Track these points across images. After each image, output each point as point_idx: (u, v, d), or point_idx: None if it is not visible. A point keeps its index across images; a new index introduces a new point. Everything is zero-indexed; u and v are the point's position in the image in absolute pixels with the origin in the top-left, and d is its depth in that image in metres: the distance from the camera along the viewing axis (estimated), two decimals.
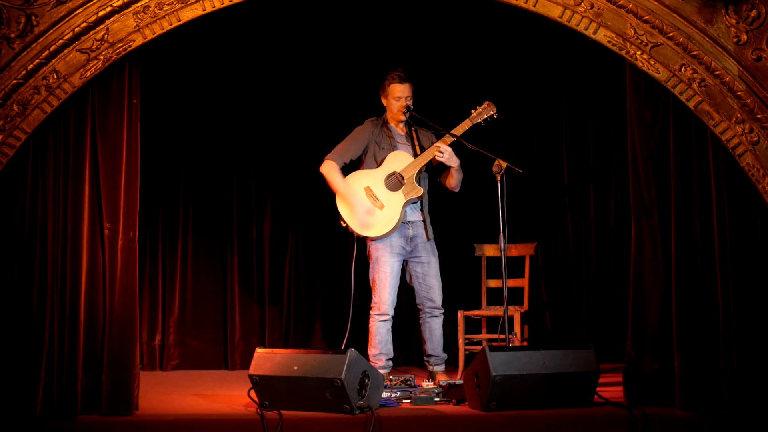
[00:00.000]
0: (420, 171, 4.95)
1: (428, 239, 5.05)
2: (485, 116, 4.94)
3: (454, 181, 5.04)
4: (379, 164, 5.00)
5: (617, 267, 6.12)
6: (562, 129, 6.41)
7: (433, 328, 5.03)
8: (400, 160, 4.96)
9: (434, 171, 5.12)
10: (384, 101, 5.09)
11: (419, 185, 4.95)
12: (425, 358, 5.09)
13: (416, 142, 5.07)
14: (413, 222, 5.00)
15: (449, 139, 4.91)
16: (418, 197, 4.93)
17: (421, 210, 5.04)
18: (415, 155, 5.01)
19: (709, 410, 4.07)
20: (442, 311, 5.07)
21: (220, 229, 6.37)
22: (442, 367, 5.06)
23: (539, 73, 6.37)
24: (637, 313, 4.32)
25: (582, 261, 6.32)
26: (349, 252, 5.19)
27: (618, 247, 6.12)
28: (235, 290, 6.31)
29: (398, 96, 4.99)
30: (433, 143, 5.01)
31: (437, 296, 5.03)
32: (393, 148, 5.02)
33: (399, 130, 5.11)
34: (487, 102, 4.98)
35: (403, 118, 5.02)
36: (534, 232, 6.31)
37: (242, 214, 6.38)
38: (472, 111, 4.98)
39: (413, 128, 5.12)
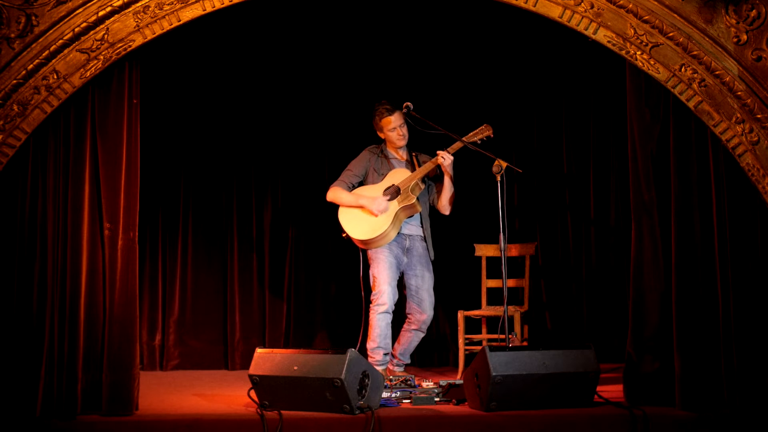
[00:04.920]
0: (417, 184, 5.05)
1: (431, 258, 5.17)
2: (481, 136, 5.03)
3: (445, 197, 5.13)
4: None
5: (617, 267, 6.12)
6: (562, 129, 6.40)
7: (413, 339, 5.20)
8: (400, 175, 5.13)
9: (428, 189, 5.23)
10: (381, 135, 5.23)
11: (417, 199, 5.04)
12: (390, 356, 5.16)
13: (416, 166, 5.19)
14: (410, 235, 5.15)
15: (452, 149, 5.02)
16: (410, 205, 5.03)
17: (421, 225, 5.17)
18: None
19: (709, 410, 4.07)
20: (428, 326, 5.18)
21: (220, 229, 6.36)
22: (401, 369, 5.20)
23: (539, 73, 6.36)
24: (637, 313, 4.32)
25: (582, 261, 6.32)
26: (351, 252, 5.21)
27: (618, 247, 6.12)
28: (235, 290, 6.30)
29: (392, 127, 5.14)
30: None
31: (428, 312, 5.14)
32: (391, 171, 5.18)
33: (399, 156, 5.25)
34: (485, 125, 5.06)
35: (402, 143, 5.18)
36: (534, 232, 6.32)
37: (242, 214, 6.37)
38: (470, 133, 5.05)
39: (414, 153, 5.25)
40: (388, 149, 5.24)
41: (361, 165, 5.22)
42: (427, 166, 5.07)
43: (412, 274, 5.14)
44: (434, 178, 5.19)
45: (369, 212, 5.03)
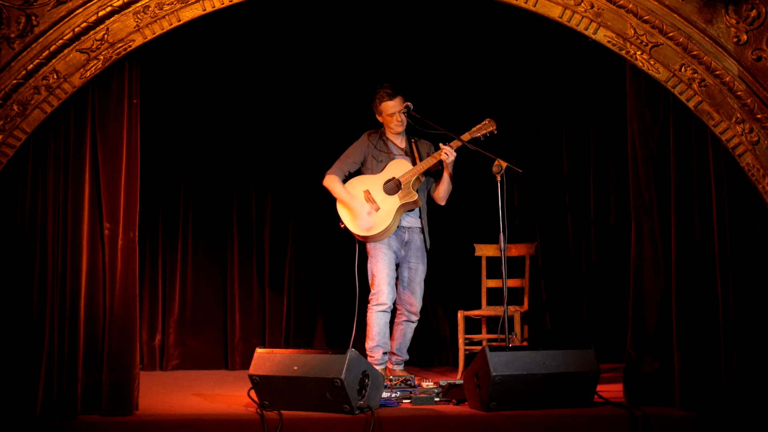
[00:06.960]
0: (418, 178, 5.05)
1: (426, 248, 5.18)
2: (485, 132, 5.03)
3: (443, 190, 5.13)
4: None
5: (617, 267, 6.11)
6: (562, 129, 6.41)
7: (406, 331, 5.22)
8: (400, 167, 5.11)
9: (428, 181, 5.22)
10: (380, 119, 5.22)
11: (417, 193, 5.05)
12: (389, 355, 5.17)
13: (416, 154, 5.19)
14: (409, 228, 5.15)
15: (455, 145, 5.01)
16: (411, 201, 5.03)
17: (420, 217, 5.17)
18: (415, 165, 5.13)
19: (709, 410, 4.07)
20: (418, 318, 5.22)
21: (220, 229, 6.36)
22: (401, 367, 5.21)
23: (539, 73, 6.37)
24: (636, 313, 4.32)
25: (582, 261, 6.32)
26: (351, 252, 5.21)
27: (618, 247, 6.12)
28: (235, 290, 6.30)
29: (391, 112, 5.13)
30: (429, 153, 5.14)
31: (417, 302, 5.18)
32: (390, 160, 5.15)
33: (398, 142, 5.24)
34: (488, 119, 5.06)
35: (401, 129, 5.17)
36: (534, 232, 6.32)
37: (242, 213, 6.38)
38: (473, 127, 5.05)
39: (413, 140, 5.23)
40: (387, 135, 5.22)
41: (360, 151, 5.21)
42: (429, 161, 5.05)
43: (407, 266, 5.17)
44: (434, 174, 5.17)
45: (371, 205, 5.02)
